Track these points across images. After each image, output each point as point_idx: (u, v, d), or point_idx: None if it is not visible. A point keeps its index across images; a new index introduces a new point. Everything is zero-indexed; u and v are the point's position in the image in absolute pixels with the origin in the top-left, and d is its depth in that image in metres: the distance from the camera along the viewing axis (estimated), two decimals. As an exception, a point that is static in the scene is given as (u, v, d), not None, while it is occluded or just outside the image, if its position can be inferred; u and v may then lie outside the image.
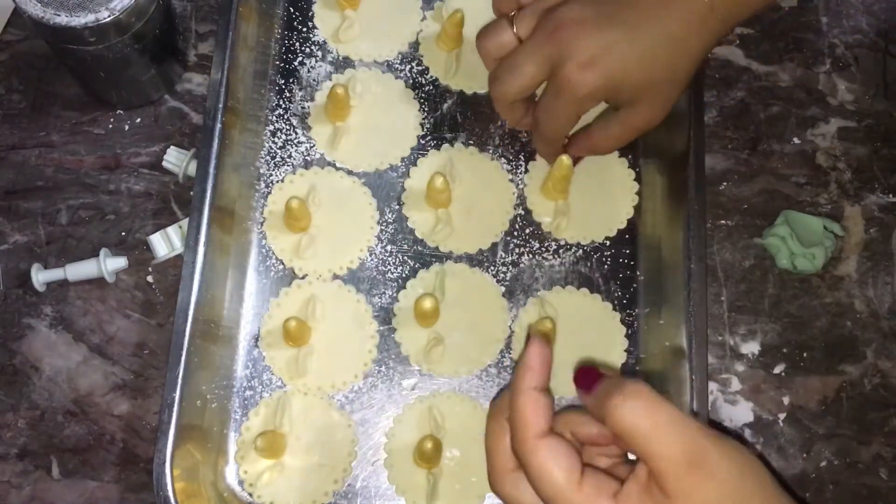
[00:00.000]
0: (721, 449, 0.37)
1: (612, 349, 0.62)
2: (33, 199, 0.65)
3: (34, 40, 0.68)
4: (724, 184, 0.67)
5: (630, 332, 0.63)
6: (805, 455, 0.62)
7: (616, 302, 0.63)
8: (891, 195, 0.68)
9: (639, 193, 0.66)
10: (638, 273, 0.64)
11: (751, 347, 0.64)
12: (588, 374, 0.41)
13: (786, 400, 0.63)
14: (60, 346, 0.62)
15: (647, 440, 0.37)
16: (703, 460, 0.37)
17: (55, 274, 0.63)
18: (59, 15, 0.56)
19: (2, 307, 0.63)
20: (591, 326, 0.62)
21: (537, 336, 0.42)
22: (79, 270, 0.62)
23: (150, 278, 0.64)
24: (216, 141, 0.60)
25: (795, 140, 0.69)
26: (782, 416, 0.63)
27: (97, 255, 0.62)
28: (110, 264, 0.62)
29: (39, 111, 0.67)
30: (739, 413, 0.63)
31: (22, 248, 0.64)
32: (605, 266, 0.64)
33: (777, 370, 0.64)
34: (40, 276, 0.62)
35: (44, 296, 0.63)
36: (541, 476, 0.38)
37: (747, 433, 0.62)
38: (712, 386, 0.63)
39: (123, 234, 0.65)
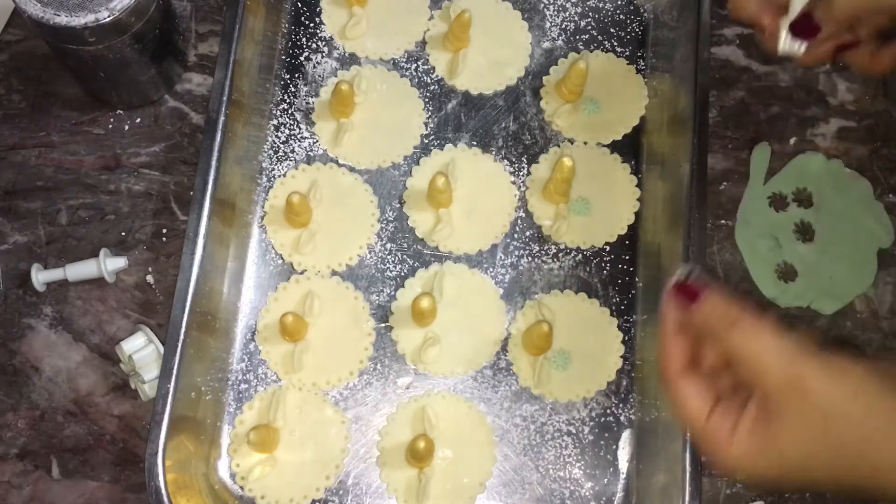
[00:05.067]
0: (819, 371, 0.42)
1: (609, 354, 0.62)
2: (33, 199, 0.65)
3: (34, 40, 0.68)
4: (724, 184, 0.67)
5: (627, 338, 0.62)
6: (805, 455, 0.62)
7: (614, 307, 0.63)
8: (891, 195, 0.68)
9: (640, 200, 0.65)
10: (637, 279, 0.64)
11: (751, 347, 0.64)
12: (687, 290, 0.45)
13: (786, 400, 0.63)
14: (60, 346, 0.62)
15: (755, 364, 0.42)
16: (801, 383, 0.41)
17: (55, 274, 0.63)
18: (59, 15, 0.56)
19: (2, 307, 0.63)
20: (588, 331, 0.62)
21: (671, 290, 0.46)
22: (79, 270, 0.62)
23: (150, 278, 0.64)
24: (219, 133, 0.60)
25: (795, 140, 0.69)
26: (782, 416, 0.63)
27: (97, 255, 0.62)
28: (110, 264, 0.62)
29: (39, 111, 0.67)
30: (739, 413, 0.63)
31: (22, 248, 0.64)
32: (605, 271, 0.64)
33: (777, 370, 0.63)
34: (40, 276, 0.62)
35: (44, 296, 0.63)
36: (677, 405, 0.45)
37: (747, 433, 0.62)
38: (712, 386, 0.63)
39: (123, 234, 0.65)
